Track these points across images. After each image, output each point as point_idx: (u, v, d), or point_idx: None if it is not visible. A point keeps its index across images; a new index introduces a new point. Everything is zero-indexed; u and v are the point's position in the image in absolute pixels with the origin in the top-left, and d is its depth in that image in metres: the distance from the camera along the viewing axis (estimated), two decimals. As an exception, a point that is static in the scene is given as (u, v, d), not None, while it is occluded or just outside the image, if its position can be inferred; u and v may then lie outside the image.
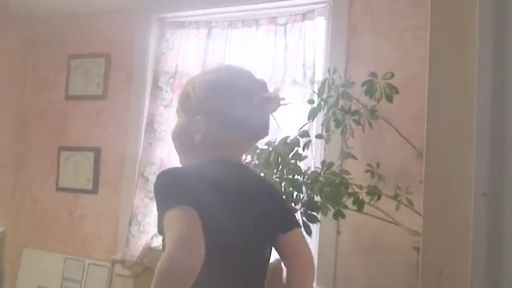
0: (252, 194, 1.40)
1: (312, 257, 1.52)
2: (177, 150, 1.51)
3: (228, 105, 1.42)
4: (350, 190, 2.61)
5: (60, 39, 4.26)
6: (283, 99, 1.47)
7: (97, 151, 3.97)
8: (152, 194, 3.55)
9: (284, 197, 2.39)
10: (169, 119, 3.63)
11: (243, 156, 1.60)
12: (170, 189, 1.26)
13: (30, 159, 4.31)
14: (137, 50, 3.86)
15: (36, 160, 4.28)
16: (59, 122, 4.20)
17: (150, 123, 3.67)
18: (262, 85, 1.48)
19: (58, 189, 4.14)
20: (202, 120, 1.41)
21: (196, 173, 1.32)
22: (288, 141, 2.67)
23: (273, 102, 1.43)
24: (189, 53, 3.62)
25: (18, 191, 4.33)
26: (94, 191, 3.97)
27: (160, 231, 1.25)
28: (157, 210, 1.26)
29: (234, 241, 1.30)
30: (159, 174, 1.32)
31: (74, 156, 4.08)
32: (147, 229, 3.61)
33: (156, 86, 3.67)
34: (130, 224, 3.64)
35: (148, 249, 3.52)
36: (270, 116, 1.47)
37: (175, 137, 1.50)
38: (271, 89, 1.50)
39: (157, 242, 3.50)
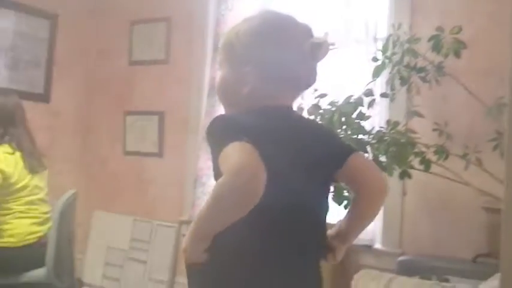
0: (301, 138, 1.33)
1: (379, 173, 1.43)
2: (222, 104, 1.44)
3: (278, 53, 1.32)
4: (416, 150, 2.56)
5: (121, 5, 4.32)
6: (333, 44, 1.39)
7: (161, 115, 4.04)
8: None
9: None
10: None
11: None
12: (223, 130, 1.21)
13: (98, 125, 4.43)
14: (197, 12, 3.86)
15: (104, 125, 4.40)
16: (123, 87, 4.28)
17: (212, 86, 3.68)
18: (309, 30, 1.37)
19: (125, 153, 4.26)
20: (250, 72, 1.32)
21: (248, 117, 1.27)
22: (351, 100, 2.62)
23: (324, 47, 1.34)
24: (249, 13, 3.58)
25: (87, 156, 4.47)
26: (160, 154, 4.05)
27: (216, 174, 1.21)
28: (212, 153, 1.21)
29: (283, 185, 1.21)
30: (211, 121, 1.27)
31: (140, 121, 4.16)
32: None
33: (217, 49, 3.67)
34: (195, 186, 3.70)
35: (214, 210, 3.56)
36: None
37: (220, 91, 1.42)
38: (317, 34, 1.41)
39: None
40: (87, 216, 4.32)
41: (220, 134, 1.21)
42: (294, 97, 1.42)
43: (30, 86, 4.08)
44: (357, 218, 1.43)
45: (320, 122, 1.52)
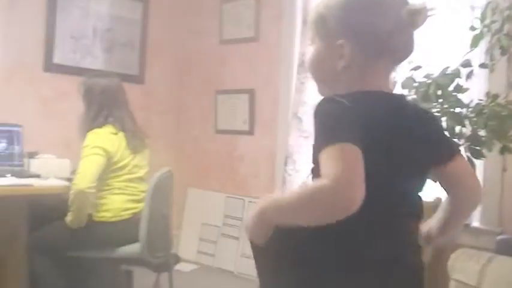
0: (409, 130, 1.27)
1: (478, 181, 1.39)
2: (316, 80, 1.36)
3: (373, 22, 1.24)
4: (519, 123, 2.40)
5: (212, -16, 4.36)
6: (432, 9, 1.30)
7: (252, 93, 4.05)
8: (306, 134, 3.59)
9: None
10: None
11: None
12: (334, 120, 1.15)
13: (190, 104, 4.52)
14: (286, -13, 3.83)
15: (195, 104, 4.48)
16: (214, 66, 4.34)
17: (302, 63, 3.64)
18: None
19: (216, 131, 4.32)
20: (344, 44, 1.25)
21: (357, 106, 1.17)
22: (448, 72, 2.50)
23: (423, 13, 1.24)
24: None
25: (180, 134, 4.58)
26: (250, 132, 4.08)
27: (314, 166, 1.19)
28: (315, 140, 1.17)
29: (384, 184, 1.18)
30: (319, 102, 1.19)
31: (230, 99, 4.20)
32: (303, 168, 3.65)
33: (306, 24, 3.62)
34: (286, 164, 3.70)
35: (304, 188, 3.55)
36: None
37: (312, 67, 1.35)
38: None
39: (313, 180, 3.51)
40: (182, 193, 4.44)
41: (329, 124, 1.15)
42: (391, 70, 1.33)
43: (125, 67, 4.21)
44: (448, 222, 1.39)
45: (429, 111, 1.42)
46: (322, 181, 1.05)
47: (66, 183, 3.06)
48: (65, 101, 3.78)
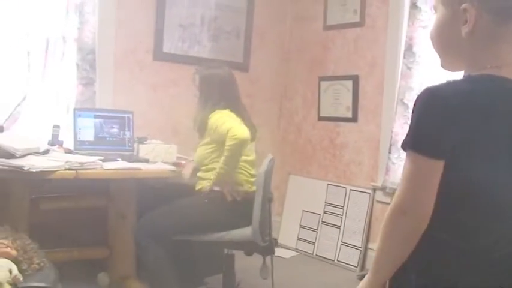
0: None
1: None
2: (438, 51, 1.29)
3: None
4: None
5: (317, -30, 4.32)
6: None
7: (355, 79, 3.98)
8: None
9: None
10: (429, 41, 3.43)
11: None
12: (424, 122, 1.11)
13: (293, 91, 4.52)
14: (394, -30, 3.71)
15: (299, 91, 4.47)
16: (318, 52, 4.30)
17: (409, 47, 3.52)
18: None
19: (320, 118, 4.28)
20: (468, 8, 1.17)
21: (467, 102, 1.11)
22: None
23: None
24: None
25: (283, 121, 4.59)
26: (353, 119, 4.01)
27: (403, 146, 1.16)
28: (409, 127, 1.15)
29: (489, 190, 1.13)
30: (425, 92, 1.14)
31: (333, 86, 4.15)
32: (408, 156, 3.54)
33: (414, 6, 3.49)
34: (390, 151, 3.61)
35: (409, 176, 3.44)
36: None
37: (435, 36, 1.27)
38: None
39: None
40: (283, 180, 4.46)
41: (418, 124, 1.13)
42: None
43: (231, 55, 4.27)
44: None
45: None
46: (391, 205, 1.13)
47: (172, 167, 3.17)
48: (173, 88, 3.91)
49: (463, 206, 1.13)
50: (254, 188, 2.94)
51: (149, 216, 2.91)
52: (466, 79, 1.19)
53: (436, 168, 1.09)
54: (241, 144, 2.82)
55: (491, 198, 1.13)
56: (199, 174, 3.01)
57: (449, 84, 1.15)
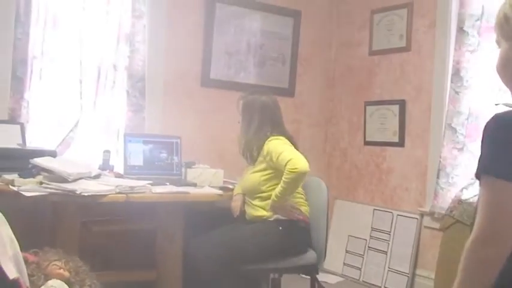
0: None
1: None
2: (506, 84, 1.33)
3: None
4: None
5: (362, -5, 4.35)
6: None
7: (402, 104, 3.96)
8: (461, 146, 3.44)
9: None
10: (476, 65, 3.41)
11: None
12: (497, 147, 1.14)
13: (339, 116, 4.53)
14: (440, -6, 3.70)
15: (345, 116, 4.47)
16: (364, 77, 4.31)
17: (456, 72, 3.49)
18: None
19: (366, 143, 4.27)
20: None
21: None
22: None
23: None
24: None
25: (328, 146, 4.59)
26: (400, 143, 3.98)
27: (477, 175, 1.17)
28: (480, 153, 1.18)
29: None
30: (494, 118, 1.19)
31: (380, 110, 4.14)
32: (456, 181, 3.49)
33: (461, 31, 3.47)
34: (438, 176, 3.56)
35: (458, 202, 3.39)
36: None
37: (501, 69, 1.31)
38: None
39: (467, 194, 3.35)
40: (329, 205, 4.43)
41: (491, 149, 1.15)
42: None
43: (276, 81, 4.33)
44: None
45: None
46: (472, 233, 1.12)
47: (219, 191, 3.21)
48: (219, 114, 3.97)
49: None
50: (308, 210, 3.01)
51: (216, 242, 2.87)
52: None
53: None
54: (301, 177, 2.83)
55: None
56: (255, 202, 3.01)
57: None
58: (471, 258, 1.12)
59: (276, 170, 2.91)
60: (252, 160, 3.08)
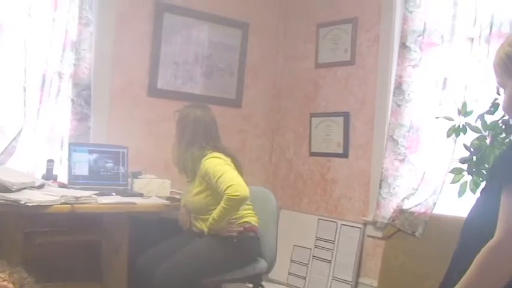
0: None
1: None
2: None
3: None
4: None
5: (308, 9, 4.43)
6: None
7: (346, 116, 4.06)
8: (402, 157, 3.55)
9: None
10: (418, 79, 3.54)
11: None
12: None
13: (285, 127, 4.59)
14: (383, 11, 3.81)
15: (290, 127, 4.54)
16: (309, 89, 4.39)
17: (399, 85, 3.61)
18: None
19: (311, 154, 4.35)
20: None
21: None
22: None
23: None
24: (438, 8, 3.46)
25: (274, 157, 4.65)
26: (344, 154, 4.07)
27: (492, 184, 1.26)
28: (504, 165, 1.25)
29: None
30: None
31: (325, 122, 4.23)
32: (398, 191, 3.60)
33: (403, 46, 3.59)
34: (380, 187, 3.66)
35: (399, 211, 3.50)
36: None
37: (509, 109, 1.38)
38: None
39: (408, 204, 3.46)
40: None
41: None
42: None
43: (224, 92, 4.35)
44: None
45: None
46: (495, 238, 1.16)
47: (166, 202, 3.21)
48: (166, 124, 3.94)
49: None
50: (257, 221, 3.05)
51: (173, 261, 2.85)
52: None
53: None
54: (241, 203, 2.86)
55: None
56: (203, 217, 3.01)
57: None
58: (493, 257, 1.17)
59: (216, 191, 2.90)
60: (188, 175, 3.11)
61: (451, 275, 1.30)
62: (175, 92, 4.06)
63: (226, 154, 3.03)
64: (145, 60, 3.93)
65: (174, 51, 4.06)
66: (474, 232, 1.27)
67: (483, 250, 1.17)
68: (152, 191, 3.35)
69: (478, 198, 1.34)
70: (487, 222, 1.19)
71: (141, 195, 3.24)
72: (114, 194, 3.12)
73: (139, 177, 3.44)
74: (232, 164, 2.98)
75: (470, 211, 1.37)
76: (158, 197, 3.30)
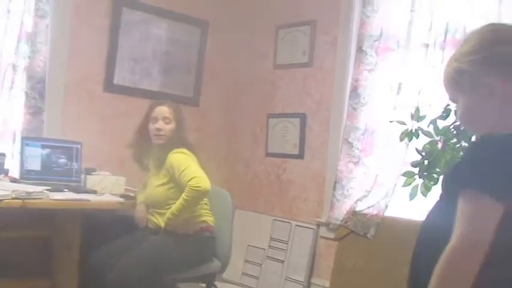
0: None
1: None
2: (475, 131, 1.43)
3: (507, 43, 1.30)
4: None
5: (268, 11, 4.45)
6: None
7: (303, 117, 4.09)
8: (356, 160, 3.60)
9: None
10: (373, 83, 3.60)
11: None
12: (489, 165, 1.20)
13: (242, 126, 4.60)
14: (342, 14, 3.87)
15: (248, 127, 4.55)
16: (267, 90, 4.41)
17: (355, 89, 3.67)
18: None
19: (267, 154, 4.37)
20: (490, 80, 1.30)
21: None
22: None
23: None
24: (395, 14, 3.53)
25: (231, 156, 4.65)
26: (300, 155, 4.11)
27: (447, 188, 1.28)
28: (461, 169, 1.26)
29: None
30: (478, 141, 1.28)
31: (282, 123, 4.25)
32: (351, 193, 3.65)
33: (360, 50, 3.65)
34: (334, 188, 3.71)
35: (352, 213, 3.55)
36: None
37: (467, 122, 1.41)
38: None
39: (361, 206, 3.52)
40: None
41: (477, 167, 1.21)
42: None
43: (181, 90, 4.33)
44: None
45: None
46: (450, 244, 1.17)
47: (121, 199, 3.17)
48: (121, 120, 3.91)
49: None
50: (213, 221, 3.07)
51: (129, 260, 2.81)
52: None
53: (498, 210, 1.17)
54: (202, 196, 2.88)
55: None
56: (162, 211, 3.00)
57: (507, 139, 1.25)
58: (450, 265, 1.18)
59: (178, 185, 2.92)
60: (143, 167, 3.15)
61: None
62: (132, 88, 4.02)
63: (193, 152, 3.06)
64: (102, 54, 3.88)
65: (132, 47, 4.01)
66: (432, 236, 1.30)
67: (441, 258, 1.19)
68: (106, 188, 3.30)
69: (436, 202, 1.37)
70: (444, 228, 1.21)
71: (94, 192, 3.19)
72: (66, 190, 3.07)
73: (93, 173, 3.38)
74: (197, 161, 3.01)
75: (428, 215, 1.40)
76: (112, 194, 3.26)
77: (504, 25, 1.40)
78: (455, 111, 1.48)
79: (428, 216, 1.40)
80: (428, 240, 1.34)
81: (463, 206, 1.19)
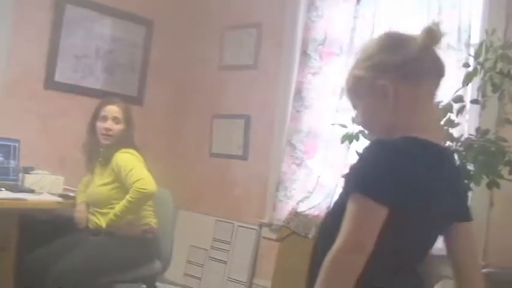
0: (449, 184, 1.37)
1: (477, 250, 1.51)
2: (376, 134, 1.45)
3: (398, 52, 1.36)
4: (507, 158, 2.46)
5: (214, 12, 4.45)
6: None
7: (247, 118, 4.11)
8: (299, 161, 3.64)
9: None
10: (317, 87, 3.65)
11: None
12: (373, 168, 1.25)
13: (186, 127, 4.57)
14: (287, 18, 3.91)
15: (192, 127, 4.53)
16: (212, 91, 4.40)
17: (298, 91, 3.71)
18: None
19: (211, 155, 4.36)
20: (384, 83, 1.35)
21: (403, 159, 1.26)
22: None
23: (438, 33, 1.37)
24: (339, 20, 3.59)
25: (175, 157, 4.61)
26: (244, 157, 4.12)
27: (344, 191, 1.31)
28: (353, 173, 1.30)
29: (416, 237, 1.34)
30: (370, 143, 1.32)
31: (226, 124, 4.26)
32: (294, 195, 3.69)
33: (304, 54, 3.70)
34: (277, 190, 3.74)
35: (294, 214, 3.59)
36: None
37: (368, 125, 1.48)
38: None
39: (303, 207, 3.56)
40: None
41: (367, 170, 1.26)
42: (434, 91, 1.41)
43: (125, 88, 4.27)
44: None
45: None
46: (334, 246, 1.21)
47: (59, 199, 3.10)
48: (62, 118, 3.83)
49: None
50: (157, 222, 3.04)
51: (68, 261, 2.73)
52: (406, 141, 1.31)
53: (382, 213, 1.21)
54: (147, 198, 2.86)
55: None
56: (103, 210, 2.94)
57: (398, 143, 1.30)
58: (337, 265, 1.20)
59: (123, 185, 2.88)
60: (91, 167, 3.09)
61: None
62: (74, 85, 3.94)
63: (140, 154, 3.03)
64: (43, 51, 3.78)
65: (75, 44, 3.93)
66: (328, 230, 1.32)
67: (326, 256, 1.22)
68: (44, 187, 3.23)
69: (338, 196, 1.41)
70: (339, 223, 1.25)
71: (32, 191, 3.10)
72: (3, 189, 2.98)
73: (31, 172, 3.30)
74: (143, 163, 2.98)
75: (325, 215, 1.47)
76: (50, 193, 3.19)
77: (396, 33, 1.46)
78: (355, 117, 1.54)
79: (328, 211, 1.45)
80: (325, 234, 1.38)
81: (349, 208, 1.23)
